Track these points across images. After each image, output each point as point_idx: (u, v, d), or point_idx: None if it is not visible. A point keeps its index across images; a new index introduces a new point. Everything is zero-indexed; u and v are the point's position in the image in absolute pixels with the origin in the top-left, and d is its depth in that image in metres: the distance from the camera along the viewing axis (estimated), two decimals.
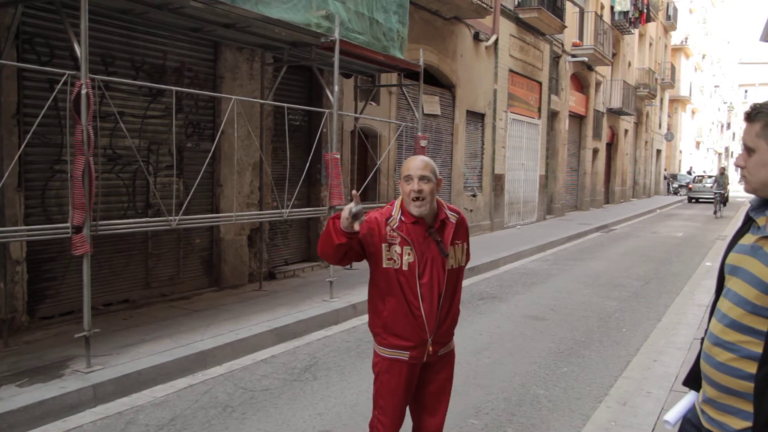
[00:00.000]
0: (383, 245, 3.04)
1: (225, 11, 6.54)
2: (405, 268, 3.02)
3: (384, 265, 3.05)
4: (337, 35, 7.63)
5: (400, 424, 3.21)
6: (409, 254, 3.03)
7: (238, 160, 8.44)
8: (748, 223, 2.16)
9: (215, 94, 7.81)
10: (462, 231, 3.20)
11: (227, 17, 6.86)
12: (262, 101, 8.20)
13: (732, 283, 2.09)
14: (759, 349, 1.94)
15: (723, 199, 25.77)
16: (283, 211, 7.66)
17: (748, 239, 2.10)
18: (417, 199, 3.00)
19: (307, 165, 8.63)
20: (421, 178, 3.00)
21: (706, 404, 2.14)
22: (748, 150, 2.04)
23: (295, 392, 5.27)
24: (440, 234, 3.08)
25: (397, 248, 3.03)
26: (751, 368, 1.96)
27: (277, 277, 9.46)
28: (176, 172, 7.52)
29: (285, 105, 7.88)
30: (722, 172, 26.75)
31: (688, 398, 2.34)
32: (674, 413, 2.34)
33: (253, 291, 8.51)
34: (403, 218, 3.07)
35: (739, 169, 2.12)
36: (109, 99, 6.27)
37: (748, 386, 1.96)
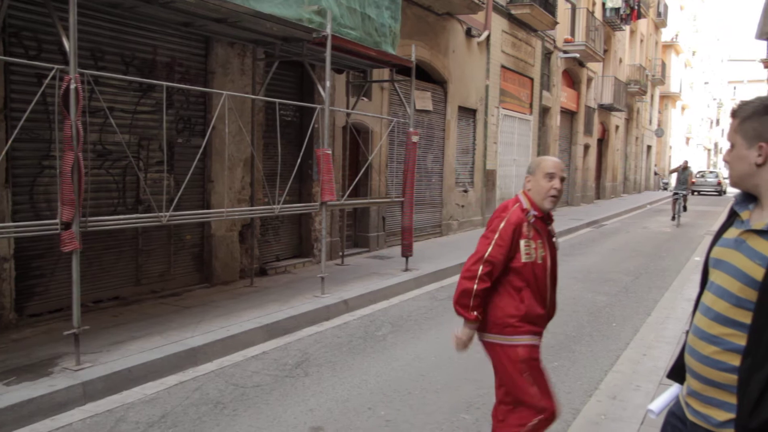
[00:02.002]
0: (522, 241, 3.28)
1: (216, 6, 6.50)
2: (540, 261, 3.32)
3: (523, 260, 3.28)
4: (329, 31, 7.60)
5: None
6: (542, 247, 3.34)
7: (230, 155, 8.40)
8: (732, 217, 2.19)
9: (206, 90, 7.77)
10: None
11: (218, 12, 6.81)
12: (253, 97, 8.16)
13: (716, 277, 2.11)
14: (743, 342, 1.97)
15: (684, 201, 20.65)
16: (274, 207, 7.63)
17: (732, 233, 2.12)
18: (555, 196, 3.33)
19: (299, 161, 8.61)
20: (562, 178, 3.34)
21: (691, 397, 2.16)
22: (731, 144, 2.12)
23: (286, 388, 5.26)
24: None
25: (532, 243, 3.30)
26: (735, 361, 1.98)
27: (269, 273, 9.43)
28: (167, 168, 7.48)
29: (276, 100, 7.85)
30: (685, 166, 20.84)
31: (673, 389, 2.36)
32: (659, 403, 2.37)
33: (244, 287, 8.49)
34: (535, 213, 3.34)
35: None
36: (98, 94, 6.23)
37: (732, 378, 1.98)
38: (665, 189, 43.43)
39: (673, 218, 20.07)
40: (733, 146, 2.10)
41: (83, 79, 5.24)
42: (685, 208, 20.50)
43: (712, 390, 2.06)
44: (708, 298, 2.12)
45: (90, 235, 6.23)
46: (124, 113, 7.27)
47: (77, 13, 5.04)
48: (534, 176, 3.37)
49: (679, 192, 20.00)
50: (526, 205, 3.34)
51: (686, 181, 20.29)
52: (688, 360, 2.16)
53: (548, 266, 3.38)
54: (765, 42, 20.35)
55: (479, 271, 3.28)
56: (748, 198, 2.13)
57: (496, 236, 3.28)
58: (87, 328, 5.38)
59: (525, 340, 3.36)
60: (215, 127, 7.82)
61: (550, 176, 3.30)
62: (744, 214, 2.10)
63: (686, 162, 21.05)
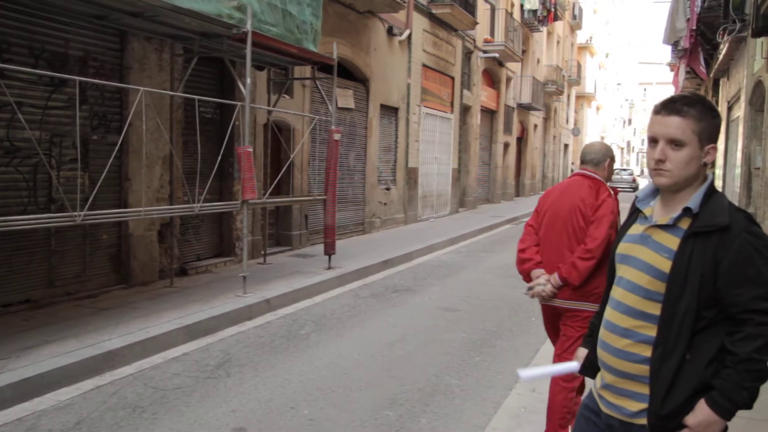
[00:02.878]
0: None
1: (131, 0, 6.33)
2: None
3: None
4: (249, 27, 7.51)
5: None
6: None
7: (147, 153, 8.17)
8: (635, 214, 2.31)
9: (122, 85, 7.54)
10: None
11: (134, 5, 6.62)
12: (171, 93, 7.97)
13: (624, 272, 2.22)
14: (653, 333, 2.08)
15: None
16: (194, 205, 7.49)
17: (637, 229, 2.24)
18: None
19: (219, 159, 8.46)
20: None
21: (605, 390, 2.25)
22: (676, 144, 2.09)
23: (208, 390, 5.18)
24: None
25: None
26: (647, 352, 2.09)
27: (189, 272, 9.24)
28: (81, 166, 7.21)
29: (196, 97, 7.69)
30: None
31: (551, 368, 2.47)
32: (530, 373, 2.48)
33: (163, 288, 8.29)
34: None
35: (647, 163, 2.19)
36: (4, 88, 5.94)
37: (644, 369, 2.09)
38: None
39: None
40: (683, 145, 2.08)
41: None
42: None
43: (625, 382, 2.15)
44: (618, 292, 2.22)
45: None
46: (34, 108, 6.96)
47: None
48: (609, 163, 3.92)
49: None
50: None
51: None
52: (601, 354, 2.25)
53: None
54: (671, 47, 21.32)
55: (601, 253, 3.67)
56: (650, 195, 2.25)
57: (617, 218, 3.70)
58: None
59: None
60: (132, 123, 7.60)
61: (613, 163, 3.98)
62: (647, 211, 2.22)
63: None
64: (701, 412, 1.98)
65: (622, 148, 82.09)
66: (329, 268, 9.81)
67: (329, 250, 9.84)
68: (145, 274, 8.47)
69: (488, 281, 10.04)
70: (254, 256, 10.37)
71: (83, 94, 7.47)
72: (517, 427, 4.42)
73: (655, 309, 2.08)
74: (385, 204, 15.82)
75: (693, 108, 2.09)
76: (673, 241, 2.08)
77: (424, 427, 4.57)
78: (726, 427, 2.04)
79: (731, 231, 2.00)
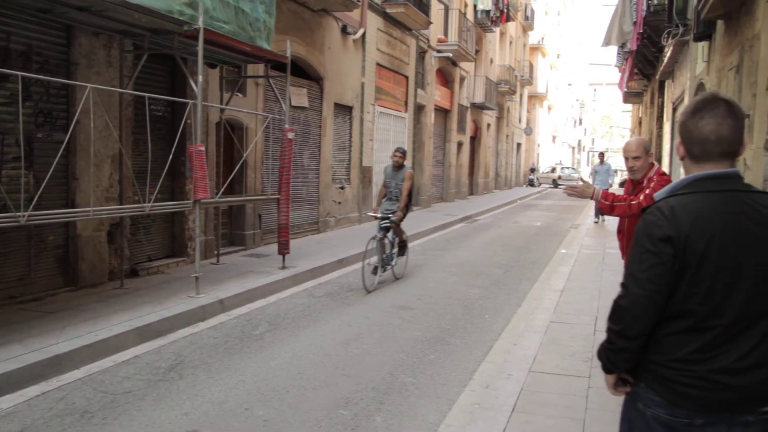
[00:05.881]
0: None
1: None
2: None
3: None
4: (200, 24, 7.40)
5: None
6: None
7: (96, 152, 7.98)
8: None
9: (69, 82, 7.34)
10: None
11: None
12: (120, 90, 7.80)
13: None
14: None
15: (399, 235, 9.67)
16: (145, 205, 7.35)
17: None
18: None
19: (171, 157, 8.31)
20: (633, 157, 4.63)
21: None
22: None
23: (160, 393, 5.08)
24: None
25: None
26: None
27: (140, 273, 9.07)
28: (25, 165, 6.99)
29: (146, 95, 7.55)
30: (399, 163, 9.49)
31: None
32: None
33: (113, 289, 8.11)
34: None
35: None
36: None
37: None
38: (531, 185, 45.52)
39: (374, 271, 9.32)
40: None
41: None
42: (402, 248, 9.94)
43: None
44: None
45: None
46: None
47: None
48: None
49: (385, 217, 9.43)
50: None
51: (399, 193, 9.48)
52: None
53: None
54: (617, 48, 21.78)
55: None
56: None
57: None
58: None
59: None
60: (79, 121, 7.42)
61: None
62: None
63: (400, 155, 9.56)
64: None
65: (573, 148, 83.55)
66: (283, 267, 9.74)
67: (283, 250, 9.77)
68: (94, 276, 8.27)
69: (442, 279, 10.10)
70: (207, 256, 10.23)
71: (26, 90, 7.25)
72: (471, 424, 4.45)
73: None
74: (339, 203, 15.79)
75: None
76: None
77: (379, 425, 4.57)
78: None
79: None
